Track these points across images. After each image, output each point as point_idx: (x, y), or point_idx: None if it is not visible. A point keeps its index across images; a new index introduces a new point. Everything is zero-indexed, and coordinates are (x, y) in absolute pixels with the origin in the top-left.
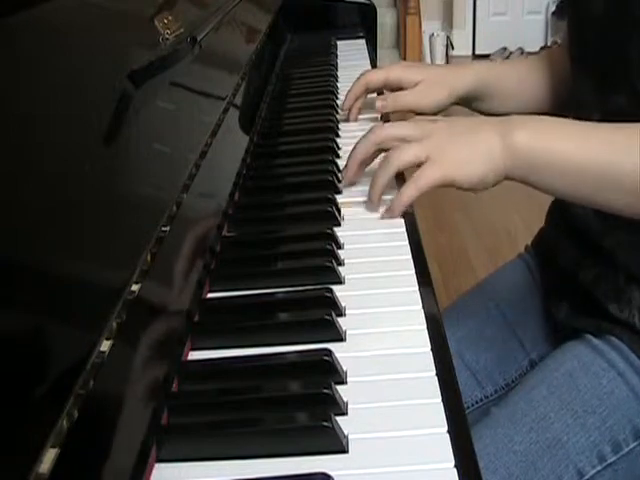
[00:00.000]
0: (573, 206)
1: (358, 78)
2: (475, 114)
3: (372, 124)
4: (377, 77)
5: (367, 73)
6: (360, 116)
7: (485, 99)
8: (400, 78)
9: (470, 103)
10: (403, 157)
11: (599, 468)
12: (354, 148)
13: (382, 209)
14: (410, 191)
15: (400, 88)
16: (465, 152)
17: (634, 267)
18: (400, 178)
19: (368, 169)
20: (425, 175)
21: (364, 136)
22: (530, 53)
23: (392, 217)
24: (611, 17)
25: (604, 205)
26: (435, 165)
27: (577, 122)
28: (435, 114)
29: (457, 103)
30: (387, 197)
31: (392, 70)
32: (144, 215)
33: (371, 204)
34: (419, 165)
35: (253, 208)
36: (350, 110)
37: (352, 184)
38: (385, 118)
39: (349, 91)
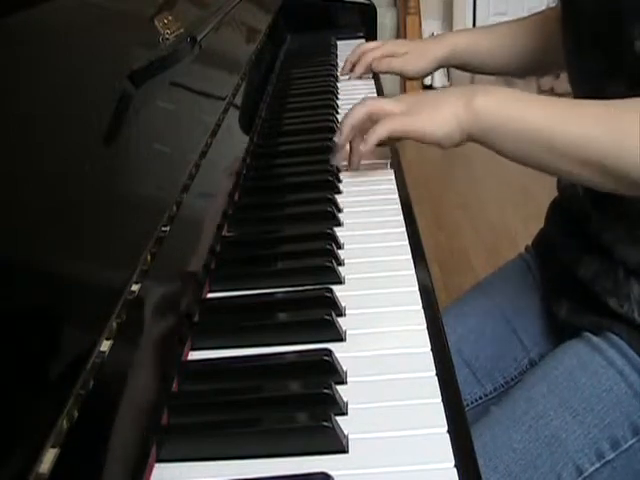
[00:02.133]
0: (573, 203)
1: (356, 48)
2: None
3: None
4: (372, 47)
5: (364, 45)
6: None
7: (464, 64)
8: (391, 49)
9: (456, 67)
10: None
11: (598, 465)
12: (347, 114)
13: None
14: (382, 128)
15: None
16: (433, 111)
17: (633, 262)
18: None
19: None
20: (397, 119)
21: (357, 105)
22: None
23: (363, 151)
24: (604, 6)
25: (555, 172)
26: (407, 116)
27: (542, 96)
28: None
29: (447, 66)
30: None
31: (385, 45)
32: (144, 215)
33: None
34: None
35: (253, 208)
36: (351, 70)
37: (344, 146)
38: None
39: (347, 58)
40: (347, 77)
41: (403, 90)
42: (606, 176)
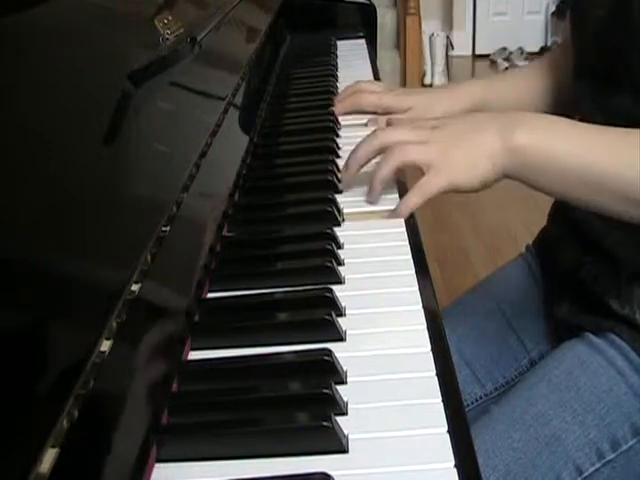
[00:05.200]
0: (574, 207)
1: (351, 94)
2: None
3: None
4: (369, 101)
5: (360, 95)
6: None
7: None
8: (390, 105)
9: None
10: (408, 155)
11: (598, 465)
12: (355, 149)
13: (385, 208)
14: (416, 197)
15: (390, 113)
16: (467, 156)
17: (635, 265)
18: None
19: (368, 168)
20: (431, 182)
21: (367, 138)
22: (530, 54)
23: (397, 218)
24: (613, 18)
25: (602, 210)
26: (440, 172)
27: (580, 124)
28: None
29: None
30: (388, 196)
31: (384, 97)
32: (144, 215)
33: (370, 197)
34: (420, 169)
35: (253, 208)
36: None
37: (351, 185)
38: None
39: (339, 101)
40: (339, 110)
41: None
42: None
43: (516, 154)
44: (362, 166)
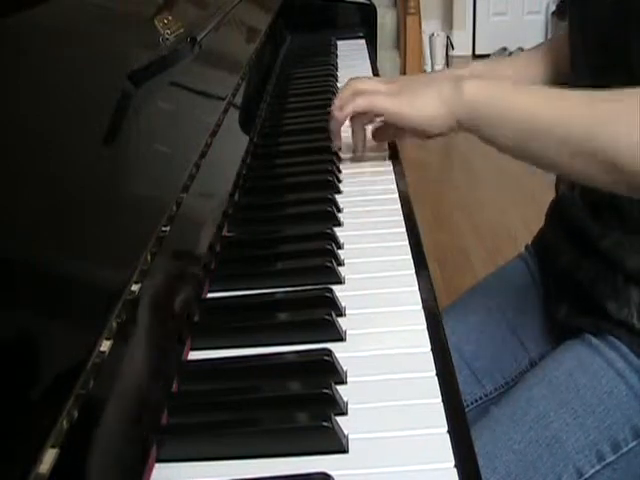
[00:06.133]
0: (571, 207)
1: (347, 83)
2: None
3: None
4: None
5: (357, 82)
6: None
7: None
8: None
9: None
10: (373, 102)
11: (598, 467)
12: (333, 116)
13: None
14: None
15: None
16: (415, 94)
17: (632, 267)
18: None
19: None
20: (378, 96)
21: (343, 87)
22: None
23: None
24: (615, 7)
25: (549, 163)
26: (388, 96)
27: (534, 86)
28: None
29: None
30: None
31: (383, 83)
32: (144, 215)
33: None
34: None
35: (253, 208)
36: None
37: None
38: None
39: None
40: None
41: None
42: (596, 165)
43: (465, 99)
44: (345, 119)
